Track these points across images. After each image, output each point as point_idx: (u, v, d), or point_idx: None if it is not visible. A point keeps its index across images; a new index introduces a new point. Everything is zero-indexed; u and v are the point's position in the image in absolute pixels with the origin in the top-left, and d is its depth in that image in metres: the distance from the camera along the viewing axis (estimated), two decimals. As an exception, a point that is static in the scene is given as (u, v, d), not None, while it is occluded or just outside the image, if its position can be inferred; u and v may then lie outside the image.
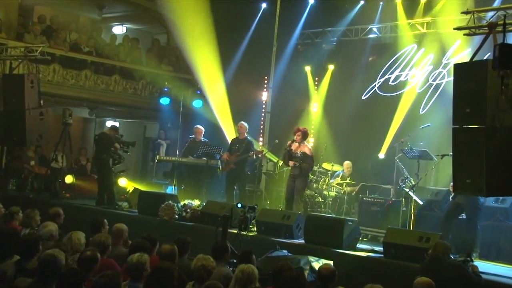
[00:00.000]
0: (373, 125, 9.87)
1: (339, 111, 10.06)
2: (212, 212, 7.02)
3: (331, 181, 8.79)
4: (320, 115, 10.61)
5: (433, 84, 8.92)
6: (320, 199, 8.71)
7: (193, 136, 9.10)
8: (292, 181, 7.60)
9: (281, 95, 10.83)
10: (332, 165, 8.86)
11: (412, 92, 9.14)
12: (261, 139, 11.04)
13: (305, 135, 7.66)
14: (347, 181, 8.61)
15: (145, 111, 12.18)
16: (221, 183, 9.25)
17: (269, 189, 9.56)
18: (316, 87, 10.75)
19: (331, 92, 10.35)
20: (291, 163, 7.48)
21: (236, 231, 5.27)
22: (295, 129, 7.70)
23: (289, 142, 7.65)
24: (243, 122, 8.65)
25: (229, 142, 8.92)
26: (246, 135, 8.62)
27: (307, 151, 7.53)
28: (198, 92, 10.83)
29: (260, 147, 10.29)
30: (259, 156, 8.85)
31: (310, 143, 9.47)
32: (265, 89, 11.29)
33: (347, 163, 8.95)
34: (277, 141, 8.89)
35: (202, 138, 9.08)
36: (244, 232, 4.95)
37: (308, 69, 10.53)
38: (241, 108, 10.72)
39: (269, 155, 9.83)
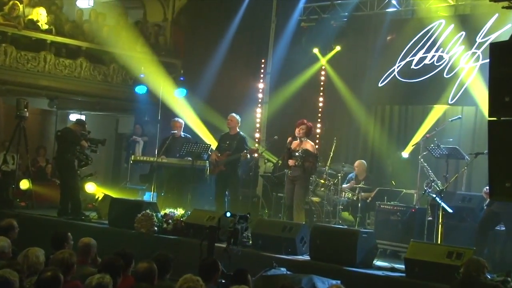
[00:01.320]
0: (393, 117, 9.90)
1: (350, 101, 10.06)
2: (199, 223, 7.01)
3: (343, 186, 8.80)
4: (327, 106, 10.62)
5: (464, 67, 8.91)
6: (328, 207, 8.72)
7: (175, 132, 9.08)
8: (290, 184, 7.56)
9: (281, 82, 10.84)
10: (343, 166, 8.87)
11: (439, 78, 9.13)
12: (257, 135, 11.02)
13: (309, 131, 7.62)
14: (361, 185, 8.62)
15: (117, 101, 12.12)
16: (209, 188, 9.23)
17: (267, 195, 9.57)
18: (322, 73, 10.74)
19: (339, 78, 10.36)
20: (291, 161, 7.46)
21: (225, 246, 5.24)
22: (299, 121, 7.65)
23: (289, 138, 7.60)
24: (234, 115, 8.61)
25: (218, 140, 8.93)
26: (238, 130, 8.59)
27: (309, 148, 7.52)
28: (182, 78, 10.81)
29: (256, 145, 10.28)
30: (255, 155, 8.81)
31: (316, 140, 9.50)
32: (261, 75, 11.26)
33: (358, 162, 8.93)
34: (276, 137, 8.87)
35: (182, 134, 9.05)
36: (234, 247, 4.93)
37: (316, 51, 10.49)
38: (232, 97, 10.73)
39: (267, 154, 9.81)
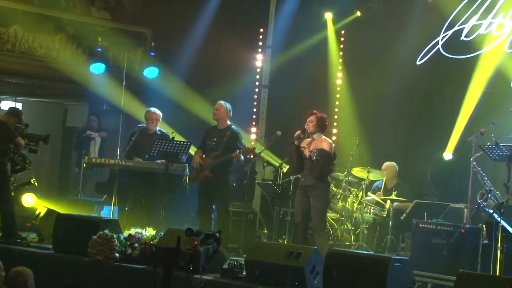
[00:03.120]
0: (435, 107, 9.90)
1: (378, 86, 10.05)
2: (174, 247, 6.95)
3: (366, 197, 8.79)
4: (347, 92, 10.60)
5: (531, 38, 8.95)
6: (349, 225, 8.68)
7: (143, 125, 9.05)
8: (303, 195, 7.51)
9: (285, 60, 10.82)
10: (368, 171, 8.86)
11: (498, 53, 9.11)
12: (253, 129, 11.00)
13: (322, 124, 7.56)
14: (393, 196, 8.61)
15: (65, 84, 12.07)
16: (189, 201, 9.20)
17: (267, 209, 9.56)
18: (341, 47, 10.70)
19: (363, 54, 10.34)
20: (306, 151, 7.32)
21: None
22: (308, 113, 7.61)
23: (297, 132, 7.54)
24: (222, 102, 8.59)
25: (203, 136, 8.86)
26: (228, 122, 8.57)
27: (325, 146, 7.48)
28: (153, 54, 10.78)
29: (253, 143, 10.24)
30: (251, 157, 8.77)
31: (332, 136, 9.48)
32: (260, 50, 11.23)
33: (387, 165, 8.97)
34: (279, 132, 8.86)
35: (158, 129, 9.05)
36: (197, 276, 4.89)
37: (328, 16, 10.45)
38: (220, 79, 10.70)
39: (267, 155, 9.79)
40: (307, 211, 7.49)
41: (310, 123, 7.50)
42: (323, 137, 7.58)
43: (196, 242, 4.86)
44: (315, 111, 7.60)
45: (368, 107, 10.18)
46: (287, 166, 9.35)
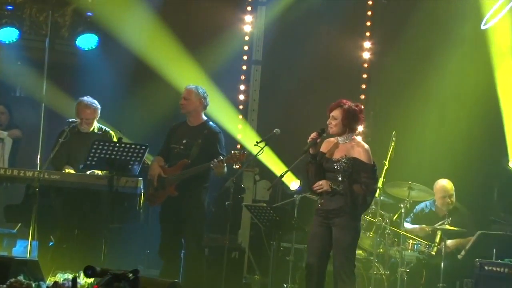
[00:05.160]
0: (504, 93, 9.93)
1: (423, 62, 10.16)
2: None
3: (406, 225, 8.88)
4: (379, 70, 10.72)
5: None
6: (381, 268, 8.76)
7: (76, 120, 9.01)
8: (322, 225, 7.39)
9: (286, 22, 10.88)
10: (410, 189, 8.92)
11: None
12: (239, 126, 11.05)
13: (351, 121, 7.25)
14: (446, 226, 8.67)
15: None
16: (144, 231, 9.30)
17: (259, 244, 9.69)
18: (370, 3, 10.86)
19: (403, 15, 10.45)
20: (323, 184, 7.24)
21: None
22: (333, 104, 7.35)
23: (312, 134, 7.33)
24: (192, 87, 8.62)
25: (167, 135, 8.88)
26: (204, 117, 8.63)
27: (361, 154, 7.26)
28: (90, 14, 10.78)
29: (239, 147, 10.31)
30: (237, 167, 8.82)
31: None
32: (249, 8, 11.33)
33: (442, 185, 9.11)
34: (277, 130, 8.78)
35: (97, 126, 9.11)
36: None
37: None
38: (192, 53, 10.74)
39: (268, 158, 9.80)
40: (326, 248, 7.31)
41: (333, 121, 7.22)
42: (356, 139, 7.30)
43: (95, 287, 4.82)
44: (343, 101, 7.25)
45: (409, 94, 10.25)
46: (292, 181, 9.29)
